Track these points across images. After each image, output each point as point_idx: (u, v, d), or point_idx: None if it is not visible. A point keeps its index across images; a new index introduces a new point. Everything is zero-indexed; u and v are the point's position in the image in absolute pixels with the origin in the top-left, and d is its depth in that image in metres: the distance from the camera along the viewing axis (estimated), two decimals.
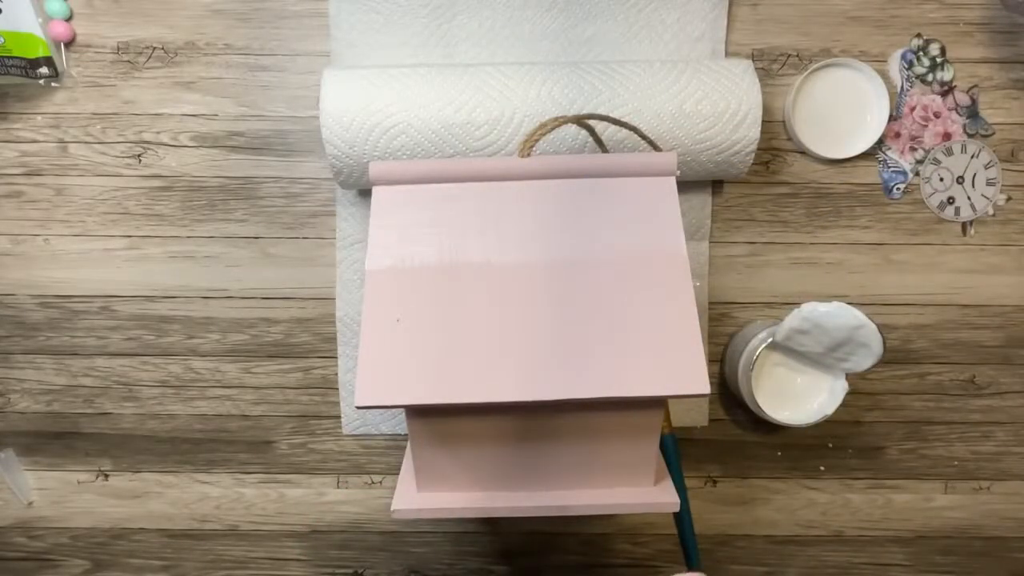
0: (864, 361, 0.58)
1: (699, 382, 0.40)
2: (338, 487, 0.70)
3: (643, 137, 0.54)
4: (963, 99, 0.65)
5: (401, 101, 0.56)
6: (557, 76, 0.57)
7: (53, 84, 0.63)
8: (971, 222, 0.66)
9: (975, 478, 0.70)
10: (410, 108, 0.56)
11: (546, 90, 0.57)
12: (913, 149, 0.65)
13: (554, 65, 0.58)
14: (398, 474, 0.51)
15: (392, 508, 0.47)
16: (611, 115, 0.53)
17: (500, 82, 0.57)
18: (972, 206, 0.66)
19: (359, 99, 0.56)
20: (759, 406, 0.61)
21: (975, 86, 0.64)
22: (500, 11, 0.62)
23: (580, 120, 0.53)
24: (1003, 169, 0.65)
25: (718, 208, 0.66)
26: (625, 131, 0.55)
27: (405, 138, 0.57)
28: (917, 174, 0.65)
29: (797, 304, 0.58)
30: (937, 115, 0.65)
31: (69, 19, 0.63)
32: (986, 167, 0.65)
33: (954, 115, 0.65)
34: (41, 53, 0.61)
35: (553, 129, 0.50)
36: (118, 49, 0.64)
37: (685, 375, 0.41)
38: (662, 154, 0.48)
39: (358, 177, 0.59)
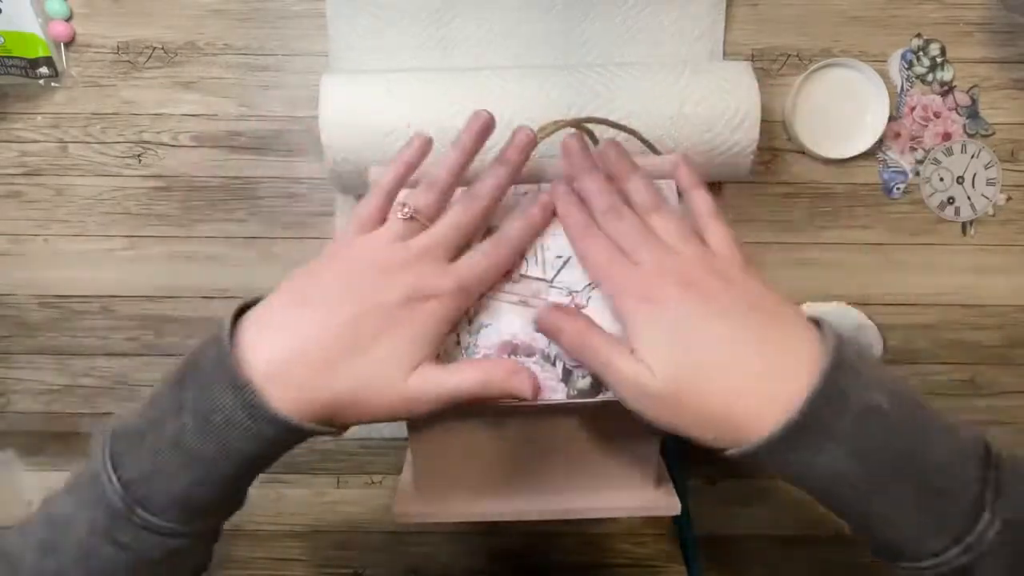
0: None
1: None
2: (338, 487, 0.70)
3: (642, 140, 0.54)
4: (963, 99, 0.64)
5: (400, 106, 0.56)
6: (555, 79, 0.57)
7: (53, 84, 0.63)
8: (971, 222, 0.66)
9: None
10: (409, 112, 0.56)
11: (544, 93, 0.56)
12: (913, 149, 0.65)
13: (552, 68, 0.58)
14: (398, 474, 0.51)
15: (395, 511, 0.47)
16: (609, 118, 0.53)
17: (499, 85, 0.57)
18: (972, 206, 0.66)
19: (358, 105, 0.56)
20: None
21: (975, 86, 0.64)
22: (498, 14, 0.62)
23: (579, 124, 0.53)
24: (1003, 169, 0.65)
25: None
26: (624, 134, 0.55)
27: (404, 142, 0.56)
28: (917, 174, 0.65)
29: (798, 305, 0.58)
30: (937, 115, 0.65)
31: (69, 19, 0.63)
32: (986, 167, 0.65)
33: (954, 115, 0.65)
34: (41, 53, 0.61)
35: (552, 133, 0.50)
36: (118, 49, 0.63)
37: None
38: (663, 157, 0.48)
39: (358, 182, 0.59)
